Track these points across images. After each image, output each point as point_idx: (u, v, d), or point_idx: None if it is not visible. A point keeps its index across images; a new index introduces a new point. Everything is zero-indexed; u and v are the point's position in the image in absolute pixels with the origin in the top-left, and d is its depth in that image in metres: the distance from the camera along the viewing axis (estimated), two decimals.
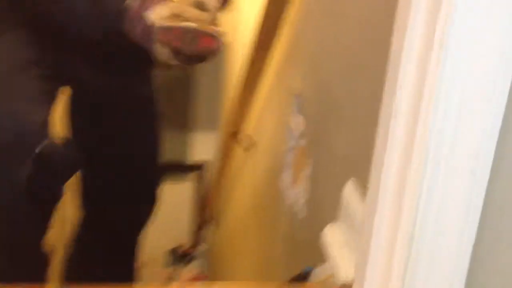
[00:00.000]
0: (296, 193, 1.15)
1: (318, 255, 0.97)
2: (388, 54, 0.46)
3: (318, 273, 0.84)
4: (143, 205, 1.45)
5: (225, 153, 2.11)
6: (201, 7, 0.98)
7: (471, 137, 0.41)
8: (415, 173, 0.44)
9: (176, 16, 0.94)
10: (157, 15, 0.93)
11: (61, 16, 1.08)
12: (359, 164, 0.81)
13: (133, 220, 1.48)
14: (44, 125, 1.04)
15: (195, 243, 3.70)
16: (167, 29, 0.91)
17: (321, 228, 1.01)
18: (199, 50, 0.91)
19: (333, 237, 0.81)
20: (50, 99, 1.14)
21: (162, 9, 0.94)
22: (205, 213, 3.15)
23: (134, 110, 1.32)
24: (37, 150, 0.97)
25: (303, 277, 0.88)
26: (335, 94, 0.94)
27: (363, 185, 0.77)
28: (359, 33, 0.83)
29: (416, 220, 0.44)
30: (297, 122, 1.20)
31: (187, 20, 0.93)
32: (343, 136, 0.88)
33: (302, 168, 1.13)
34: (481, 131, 0.40)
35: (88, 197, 1.39)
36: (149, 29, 0.94)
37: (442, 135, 0.41)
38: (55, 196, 1.08)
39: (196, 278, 3.56)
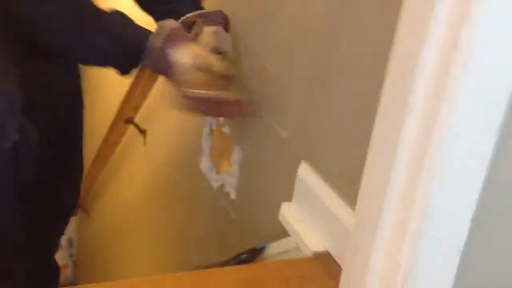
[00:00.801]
0: (224, 177, 1.22)
1: (261, 232, 1.05)
2: None
3: (276, 247, 0.93)
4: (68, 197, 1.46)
5: (112, 140, 2.08)
6: (218, 50, 1.08)
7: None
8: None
9: (199, 65, 1.01)
10: (181, 61, 1.02)
11: (80, 53, 1.11)
12: (307, 148, 0.90)
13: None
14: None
15: None
16: (193, 98, 0.97)
17: (256, 208, 1.10)
18: (223, 115, 0.97)
19: (291, 214, 0.89)
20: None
21: (186, 56, 1.02)
22: None
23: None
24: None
25: (257, 251, 0.96)
26: (268, 75, 1.02)
27: (316, 167, 0.87)
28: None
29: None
30: None
31: (209, 69, 1.02)
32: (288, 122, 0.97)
33: (228, 153, 1.20)
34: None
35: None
36: (172, 68, 1.02)
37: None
38: None
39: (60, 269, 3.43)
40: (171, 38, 1.04)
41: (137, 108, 1.78)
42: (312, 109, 0.88)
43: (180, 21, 1.16)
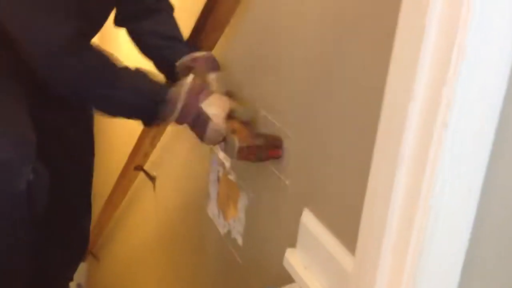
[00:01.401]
0: (231, 222, 1.25)
1: (267, 278, 1.07)
2: None
3: None
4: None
5: (122, 187, 2.12)
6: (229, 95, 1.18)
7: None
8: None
9: (228, 116, 1.11)
10: (215, 112, 1.10)
11: (101, 105, 1.18)
12: (309, 196, 0.94)
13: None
14: None
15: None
16: (247, 148, 1.04)
17: (261, 253, 1.13)
18: (267, 159, 1.05)
19: (295, 260, 0.92)
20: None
21: (218, 108, 1.11)
22: None
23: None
24: None
25: None
26: (268, 122, 1.07)
27: (317, 214, 0.91)
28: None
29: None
30: (225, 157, 1.30)
31: (235, 115, 1.11)
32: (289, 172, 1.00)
33: (234, 200, 1.24)
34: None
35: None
36: (204, 119, 1.10)
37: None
38: None
39: None
40: (196, 91, 1.11)
41: (146, 156, 1.83)
42: (314, 157, 0.92)
43: (178, 64, 1.24)
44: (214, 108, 1.10)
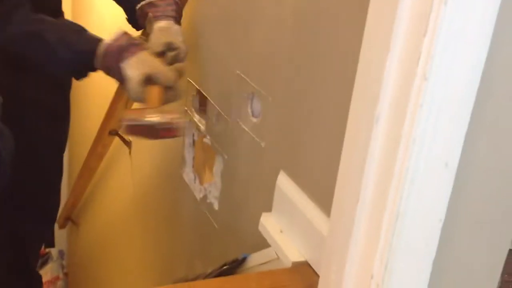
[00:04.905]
0: (207, 187, 1.22)
1: (243, 243, 1.05)
2: None
3: (257, 258, 0.93)
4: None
5: (98, 152, 2.07)
6: (170, 47, 1.10)
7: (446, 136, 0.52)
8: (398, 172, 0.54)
9: (148, 77, 1.03)
10: (131, 75, 1.03)
11: (40, 59, 1.14)
12: (285, 158, 0.91)
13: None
14: None
15: (49, 245, 3.54)
16: (132, 126, 1.00)
17: (237, 218, 1.10)
18: (160, 138, 1.01)
19: (270, 224, 0.89)
20: None
21: (135, 70, 1.03)
22: (61, 214, 3.02)
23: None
24: None
25: (239, 263, 0.96)
26: (243, 82, 1.03)
27: (293, 177, 0.87)
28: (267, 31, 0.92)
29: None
30: (200, 120, 1.26)
31: (158, 82, 1.04)
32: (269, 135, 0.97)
33: (210, 164, 1.20)
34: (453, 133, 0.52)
35: None
36: (123, 79, 1.04)
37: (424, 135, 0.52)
38: None
39: (51, 282, 3.41)
40: (116, 49, 1.05)
41: (121, 120, 1.78)
42: (290, 119, 0.89)
43: (137, 9, 1.18)
44: (131, 70, 1.04)
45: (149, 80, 1.04)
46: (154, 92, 1.04)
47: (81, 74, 1.17)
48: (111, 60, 1.05)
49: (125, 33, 1.08)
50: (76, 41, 1.09)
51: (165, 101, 1.06)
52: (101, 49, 1.07)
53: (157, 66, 1.05)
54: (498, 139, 0.60)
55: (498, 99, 0.58)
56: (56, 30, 1.10)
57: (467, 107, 0.53)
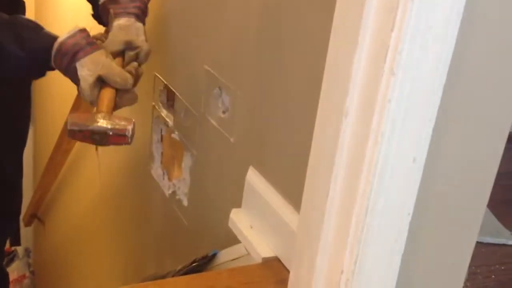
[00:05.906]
0: (175, 183, 1.21)
1: (213, 239, 1.04)
2: None
3: (227, 254, 0.92)
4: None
5: (63, 148, 2.03)
6: (129, 46, 1.04)
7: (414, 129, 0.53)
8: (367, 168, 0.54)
9: (101, 79, 0.97)
10: (84, 76, 0.97)
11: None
12: (254, 153, 0.90)
13: None
14: None
15: (14, 243, 3.49)
16: (75, 131, 0.92)
17: (207, 214, 1.09)
18: (108, 145, 0.94)
19: (240, 220, 0.89)
20: None
21: (88, 72, 0.97)
22: (27, 211, 2.97)
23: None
24: None
25: (209, 259, 0.95)
26: (212, 78, 1.02)
27: (263, 172, 0.87)
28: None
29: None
30: (168, 115, 1.24)
31: (111, 84, 0.98)
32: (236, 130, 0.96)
33: (179, 160, 1.19)
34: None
35: None
36: (77, 78, 0.98)
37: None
38: None
39: (17, 280, 3.35)
40: (68, 48, 0.99)
41: None
42: (259, 114, 0.88)
43: (100, 5, 1.11)
44: (84, 71, 0.98)
45: (102, 82, 0.98)
46: (107, 95, 0.98)
47: (38, 73, 1.10)
48: (65, 59, 0.99)
49: (82, 30, 1.02)
50: (29, 39, 1.02)
51: (120, 104, 1.00)
52: (55, 47, 1.00)
53: (111, 67, 0.99)
54: (465, 133, 0.61)
55: (465, 94, 0.58)
56: (8, 27, 1.03)
57: (434, 102, 0.53)
